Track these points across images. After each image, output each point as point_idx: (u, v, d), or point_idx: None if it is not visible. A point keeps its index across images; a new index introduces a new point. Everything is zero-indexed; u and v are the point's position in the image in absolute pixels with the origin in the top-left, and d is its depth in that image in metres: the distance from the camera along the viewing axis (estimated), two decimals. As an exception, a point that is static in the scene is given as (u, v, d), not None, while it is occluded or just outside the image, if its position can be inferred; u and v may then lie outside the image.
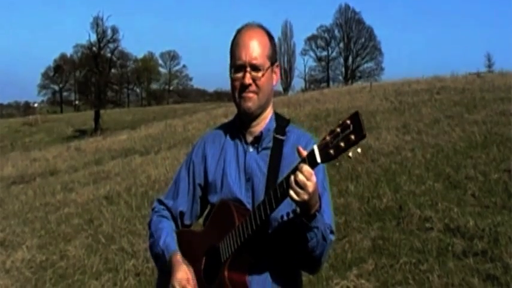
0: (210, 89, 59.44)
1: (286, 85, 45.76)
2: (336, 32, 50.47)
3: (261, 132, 1.41)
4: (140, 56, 56.30)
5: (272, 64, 1.40)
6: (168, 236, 1.45)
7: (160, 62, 58.05)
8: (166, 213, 1.51)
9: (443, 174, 5.11)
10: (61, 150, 15.47)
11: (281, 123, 1.44)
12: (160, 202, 1.54)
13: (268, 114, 1.44)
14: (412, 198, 4.59)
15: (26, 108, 54.46)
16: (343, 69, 50.49)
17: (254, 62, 1.36)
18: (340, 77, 49.71)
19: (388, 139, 6.90)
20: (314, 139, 1.42)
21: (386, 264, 3.52)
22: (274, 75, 1.42)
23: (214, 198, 1.43)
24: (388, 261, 3.56)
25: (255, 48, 1.37)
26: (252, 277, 1.35)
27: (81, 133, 28.47)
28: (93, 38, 35.72)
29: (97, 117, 32.08)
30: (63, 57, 52.30)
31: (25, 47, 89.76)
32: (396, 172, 5.47)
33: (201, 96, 56.51)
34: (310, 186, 1.18)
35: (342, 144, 1.11)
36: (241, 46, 1.37)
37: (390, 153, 6.22)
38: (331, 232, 1.37)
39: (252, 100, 1.38)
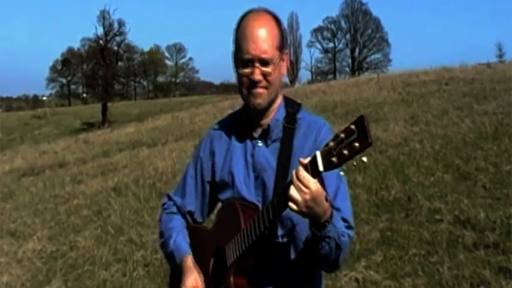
0: (217, 81, 59.41)
1: (293, 77, 45.41)
2: (343, 23, 50.01)
3: (269, 125, 1.32)
4: (146, 48, 56.42)
5: (281, 52, 1.29)
6: (179, 236, 1.41)
7: (166, 54, 58.13)
8: (175, 209, 1.48)
9: (453, 166, 5.05)
10: (69, 142, 15.58)
11: (291, 109, 1.34)
12: (169, 198, 1.50)
13: (278, 104, 1.34)
14: (421, 190, 4.54)
15: (35, 101, 54.92)
16: (349, 61, 50.05)
17: (264, 56, 1.25)
18: (347, 69, 49.33)
19: (396, 130, 6.82)
20: (326, 125, 1.33)
21: (395, 256, 3.49)
22: (283, 63, 1.31)
23: (223, 196, 1.39)
24: (397, 252, 3.54)
25: (264, 40, 1.25)
26: (261, 280, 1.28)
27: (89, 126, 28.64)
28: (100, 31, 35.81)
29: (104, 110, 32.24)
30: (70, 50, 52.50)
31: (33, 40, 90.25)
32: (405, 163, 5.42)
33: (208, 88, 56.42)
34: (308, 194, 1.09)
35: (346, 152, 1.05)
36: (248, 38, 1.25)
37: (398, 145, 6.15)
38: (349, 228, 1.28)
39: (262, 96, 1.28)
